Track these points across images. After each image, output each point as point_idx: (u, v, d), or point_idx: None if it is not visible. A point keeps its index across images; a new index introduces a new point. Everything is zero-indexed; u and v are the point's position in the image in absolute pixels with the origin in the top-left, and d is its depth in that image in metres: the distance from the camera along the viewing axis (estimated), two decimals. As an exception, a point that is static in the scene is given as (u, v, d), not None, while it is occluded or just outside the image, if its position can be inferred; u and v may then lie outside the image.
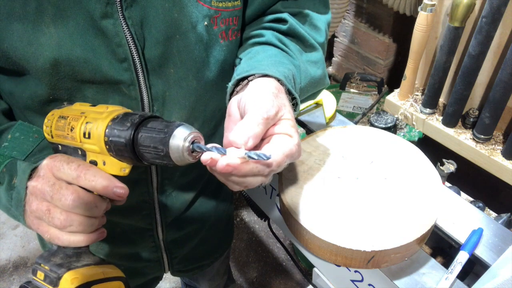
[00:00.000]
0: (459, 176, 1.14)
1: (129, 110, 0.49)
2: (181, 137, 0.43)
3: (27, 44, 0.49)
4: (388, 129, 1.27)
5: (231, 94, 0.56)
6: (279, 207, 0.81)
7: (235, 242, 2.05)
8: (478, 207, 0.97)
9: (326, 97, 0.96)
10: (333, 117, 0.94)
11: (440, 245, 0.76)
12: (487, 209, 1.05)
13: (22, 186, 0.49)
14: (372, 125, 1.29)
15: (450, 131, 1.14)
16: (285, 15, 0.63)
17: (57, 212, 0.46)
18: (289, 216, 0.63)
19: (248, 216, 2.17)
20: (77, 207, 0.46)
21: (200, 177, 0.77)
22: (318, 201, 0.63)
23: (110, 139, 0.46)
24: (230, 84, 0.55)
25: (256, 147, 0.47)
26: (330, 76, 2.14)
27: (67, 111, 0.51)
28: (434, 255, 0.76)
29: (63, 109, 0.52)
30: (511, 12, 0.93)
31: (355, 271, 0.68)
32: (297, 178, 0.67)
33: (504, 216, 0.92)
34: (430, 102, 1.17)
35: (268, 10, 0.66)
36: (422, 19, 1.06)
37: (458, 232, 0.66)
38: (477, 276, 0.62)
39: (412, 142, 1.04)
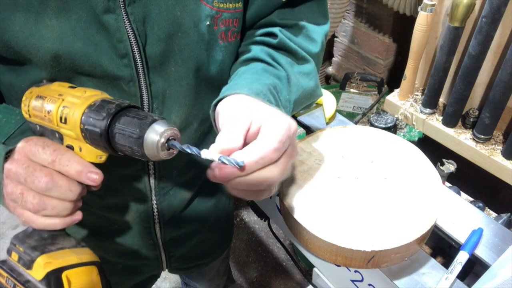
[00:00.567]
0: (459, 176, 1.14)
1: (108, 96, 0.48)
2: (157, 133, 0.43)
3: (29, 35, 0.49)
4: (388, 129, 1.27)
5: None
6: (279, 207, 0.81)
7: (235, 242, 2.05)
8: (478, 207, 0.97)
9: (326, 97, 0.96)
10: (333, 117, 0.94)
11: (440, 245, 0.76)
12: (487, 209, 1.05)
13: (0, 168, 0.49)
14: (372, 125, 1.29)
15: (450, 131, 1.14)
16: (275, 30, 0.63)
17: (30, 196, 0.46)
18: (289, 216, 0.63)
19: (248, 216, 2.17)
20: (50, 190, 0.46)
21: (198, 176, 0.77)
22: (318, 201, 0.63)
23: (86, 127, 0.45)
24: (210, 111, 0.56)
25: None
26: (330, 76, 2.14)
27: (45, 90, 0.50)
28: (434, 255, 0.76)
29: (42, 87, 0.50)
30: (511, 12, 0.93)
31: (355, 271, 0.68)
32: (297, 178, 0.67)
33: (504, 216, 0.92)
34: (430, 102, 1.17)
35: (263, 21, 0.66)
36: (422, 19, 1.06)
37: (458, 232, 0.66)
38: (477, 276, 0.62)
39: (412, 142, 1.04)
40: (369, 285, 0.66)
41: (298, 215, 0.61)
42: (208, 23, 0.57)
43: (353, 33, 1.86)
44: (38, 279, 0.46)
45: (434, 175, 0.67)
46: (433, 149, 1.10)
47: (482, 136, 1.07)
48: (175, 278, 1.92)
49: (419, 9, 1.06)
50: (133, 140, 0.44)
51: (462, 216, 0.68)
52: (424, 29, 1.07)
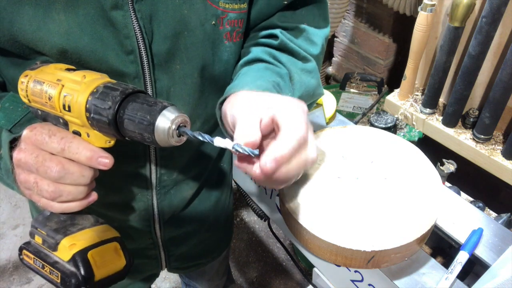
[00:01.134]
0: (459, 176, 1.14)
1: (108, 80, 0.47)
2: (168, 119, 0.43)
3: (36, 29, 0.50)
4: (388, 129, 1.27)
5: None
6: (279, 207, 0.81)
7: (235, 242, 2.05)
8: (478, 207, 0.97)
9: (326, 97, 0.96)
10: (333, 117, 0.94)
11: (440, 245, 0.76)
12: (487, 209, 1.05)
13: (7, 157, 0.50)
14: (372, 125, 1.29)
15: (450, 131, 1.14)
16: (277, 32, 0.63)
17: (45, 184, 0.47)
18: (289, 216, 0.63)
19: (248, 216, 2.17)
20: (63, 178, 0.46)
21: (199, 175, 0.77)
22: (318, 201, 0.63)
23: (92, 115, 0.45)
24: (216, 109, 0.57)
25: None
26: (330, 76, 2.14)
27: (42, 74, 0.49)
28: (434, 255, 0.76)
29: (37, 71, 0.49)
30: (511, 12, 0.93)
31: (355, 271, 0.68)
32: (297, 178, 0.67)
33: (504, 216, 0.92)
34: (430, 102, 1.17)
35: (264, 23, 0.66)
36: (422, 19, 1.06)
37: (458, 232, 0.66)
38: (477, 276, 0.62)
39: (412, 142, 1.04)
40: (369, 285, 0.66)
41: (298, 215, 0.61)
42: (213, 22, 0.57)
43: (353, 33, 1.86)
44: (65, 260, 0.48)
45: (434, 175, 0.67)
46: (433, 149, 1.10)
47: (482, 136, 1.07)
48: (175, 278, 1.92)
49: (419, 9, 1.06)
50: (144, 127, 0.43)
51: (462, 216, 0.68)
52: (424, 29, 1.07)
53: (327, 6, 0.69)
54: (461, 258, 0.60)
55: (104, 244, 0.51)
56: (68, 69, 0.49)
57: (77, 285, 0.47)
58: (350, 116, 1.52)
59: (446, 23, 1.02)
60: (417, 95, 1.26)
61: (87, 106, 0.45)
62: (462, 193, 1.04)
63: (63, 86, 0.46)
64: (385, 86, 1.64)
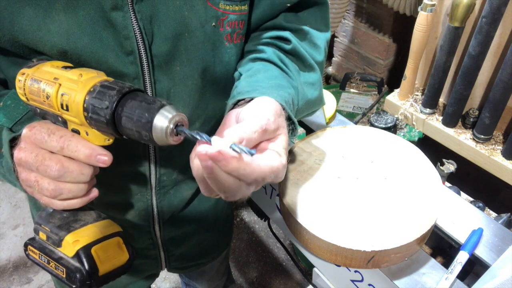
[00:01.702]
0: (459, 176, 1.14)
1: (105, 78, 0.47)
2: (166, 118, 0.43)
3: (37, 29, 0.50)
4: (388, 129, 1.27)
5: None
6: (279, 207, 0.81)
7: (235, 242, 2.05)
8: (478, 207, 0.97)
9: (326, 97, 0.96)
10: (333, 117, 0.94)
11: (440, 245, 0.76)
12: (487, 209, 1.05)
13: (8, 155, 0.50)
14: (372, 125, 1.29)
15: (450, 131, 1.14)
16: (287, 34, 0.63)
17: (45, 183, 0.47)
18: (289, 216, 0.63)
19: (248, 216, 2.17)
20: (63, 176, 0.47)
21: None
22: (318, 201, 0.63)
23: (90, 115, 0.45)
24: (229, 103, 0.55)
25: None
26: (330, 76, 2.14)
27: (39, 73, 0.49)
28: (434, 255, 0.76)
29: (34, 69, 0.49)
30: (511, 12, 0.93)
31: (355, 271, 0.68)
32: (297, 178, 0.67)
33: (504, 216, 0.92)
34: (430, 102, 1.17)
35: (268, 23, 0.66)
36: (422, 19, 1.06)
37: (458, 232, 0.66)
38: (477, 276, 0.62)
39: (412, 142, 1.04)
40: (369, 285, 0.66)
41: (298, 215, 0.61)
42: (213, 24, 0.57)
43: (353, 33, 1.86)
44: (70, 255, 0.49)
45: (434, 175, 0.67)
46: (433, 149, 1.10)
47: (482, 136, 1.07)
48: (175, 278, 1.92)
49: (419, 9, 1.06)
50: (142, 124, 0.43)
51: (462, 216, 0.68)
52: (424, 29, 1.07)
53: (329, 10, 0.69)
54: (461, 258, 0.60)
55: (107, 239, 0.52)
56: (65, 67, 0.49)
57: (82, 280, 0.48)
58: (350, 116, 1.52)
59: (446, 23, 1.02)
60: (417, 95, 1.25)
61: (85, 105, 0.45)
62: (462, 193, 1.04)
63: (60, 85, 0.46)
64: (385, 86, 1.64)
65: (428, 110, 1.19)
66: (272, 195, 0.83)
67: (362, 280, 0.68)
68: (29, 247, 0.53)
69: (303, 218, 0.61)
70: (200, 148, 0.40)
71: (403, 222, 0.60)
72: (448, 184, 1.07)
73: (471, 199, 1.04)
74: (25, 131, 0.48)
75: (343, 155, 0.71)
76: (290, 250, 1.80)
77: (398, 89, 1.28)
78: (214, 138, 0.44)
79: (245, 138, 0.44)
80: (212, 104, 0.66)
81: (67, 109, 0.46)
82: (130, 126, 0.44)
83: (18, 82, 0.50)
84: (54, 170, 0.46)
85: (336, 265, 0.67)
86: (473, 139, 1.10)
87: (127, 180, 0.68)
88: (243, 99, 0.54)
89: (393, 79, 1.86)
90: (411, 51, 1.15)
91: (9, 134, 0.51)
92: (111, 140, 0.49)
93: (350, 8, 1.78)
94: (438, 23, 1.11)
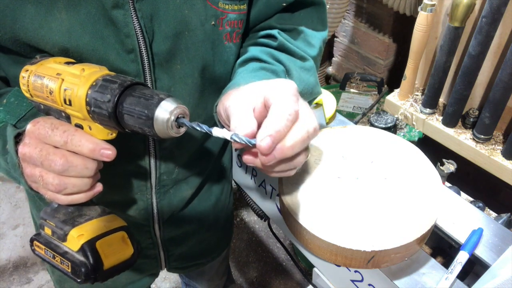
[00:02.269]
0: (459, 176, 1.14)
1: (107, 72, 0.48)
2: (166, 112, 0.43)
3: (38, 27, 0.50)
4: (388, 129, 1.27)
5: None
6: (279, 207, 0.81)
7: (235, 242, 2.05)
8: (478, 207, 0.97)
9: (326, 97, 0.96)
10: (333, 117, 0.94)
11: (440, 245, 0.76)
12: (487, 209, 1.05)
13: (13, 151, 0.51)
14: (372, 125, 1.29)
15: (450, 131, 1.14)
16: (274, 32, 0.64)
17: (50, 178, 0.47)
18: (289, 216, 0.63)
19: (248, 216, 2.17)
20: (67, 171, 0.47)
21: (199, 175, 0.77)
22: (318, 201, 0.63)
23: (92, 109, 0.45)
24: (214, 112, 0.57)
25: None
26: (330, 76, 2.14)
27: (42, 69, 0.49)
28: (434, 255, 0.76)
29: (37, 65, 0.50)
30: (511, 12, 0.93)
31: (355, 271, 0.68)
32: (297, 178, 0.67)
33: (504, 216, 0.92)
34: (430, 102, 1.17)
35: (262, 24, 0.66)
36: (422, 19, 1.06)
37: (458, 232, 0.66)
38: (477, 276, 0.62)
39: (412, 142, 1.04)
40: (369, 285, 0.66)
41: (298, 215, 0.61)
42: (213, 23, 0.57)
43: (353, 33, 1.86)
44: (75, 250, 0.49)
45: (434, 175, 0.67)
46: (433, 149, 1.10)
47: (482, 136, 1.07)
48: (175, 278, 1.92)
49: (419, 9, 1.06)
50: (143, 122, 0.44)
51: (462, 216, 0.68)
52: (424, 29, 1.07)
53: (326, 10, 0.69)
54: (461, 258, 0.60)
55: (111, 234, 0.52)
56: (67, 63, 0.49)
57: (86, 274, 0.49)
58: (350, 116, 1.52)
59: (446, 23, 1.02)
60: (417, 95, 1.25)
61: (87, 99, 0.45)
62: (462, 193, 1.04)
63: (63, 80, 0.47)
64: (385, 86, 1.64)
65: (428, 110, 1.19)
66: (272, 195, 0.83)
67: (362, 280, 0.68)
68: (35, 242, 0.53)
69: (303, 218, 0.61)
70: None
71: (403, 222, 0.60)
72: (448, 184, 1.07)
73: (471, 199, 1.04)
74: (29, 127, 0.48)
75: (343, 155, 0.71)
76: (290, 250, 1.80)
77: (398, 89, 1.28)
78: (214, 129, 0.44)
79: (248, 129, 0.44)
80: (211, 103, 0.66)
81: (70, 104, 0.46)
82: (132, 122, 0.45)
83: (22, 79, 0.50)
84: (58, 165, 0.46)
85: (336, 265, 0.67)
86: (473, 139, 1.10)
87: (127, 179, 0.68)
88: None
89: (393, 79, 1.86)
90: (411, 51, 1.15)
91: (14, 130, 0.52)
92: (114, 134, 0.50)
93: (350, 8, 1.78)
94: (438, 23, 1.11)
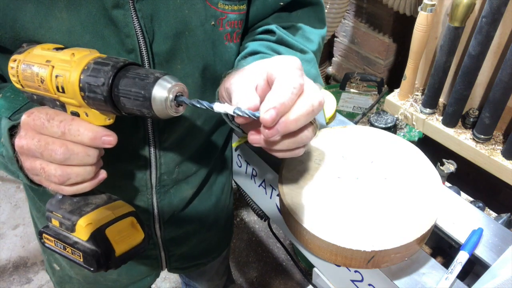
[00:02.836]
0: (459, 176, 1.14)
1: (98, 54, 0.46)
2: (164, 90, 0.41)
3: (38, 27, 0.50)
4: (388, 129, 1.27)
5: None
6: (279, 207, 0.81)
7: (235, 242, 2.05)
8: (478, 207, 0.97)
9: (326, 97, 0.96)
10: (333, 117, 0.94)
11: (440, 245, 0.76)
12: (487, 209, 1.05)
13: (8, 144, 0.50)
14: (372, 125, 1.29)
15: (450, 131, 1.14)
16: (272, 27, 0.64)
17: (52, 169, 0.46)
18: (289, 216, 0.63)
19: (248, 216, 2.17)
20: (69, 159, 0.45)
21: (200, 174, 0.77)
22: (318, 201, 0.63)
23: (87, 94, 0.44)
24: (216, 91, 0.57)
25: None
26: (330, 76, 2.14)
27: (30, 57, 0.47)
28: (434, 255, 0.76)
29: (25, 54, 0.48)
30: (511, 12, 0.93)
31: (355, 271, 0.68)
32: (297, 178, 0.67)
33: (504, 216, 0.92)
34: (430, 102, 1.17)
35: (260, 23, 0.67)
36: (422, 19, 1.06)
37: (458, 232, 0.66)
38: (477, 276, 0.62)
39: (412, 142, 1.04)
40: (369, 285, 0.66)
41: (298, 215, 0.61)
42: (212, 23, 0.57)
43: (353, 33, 1.86)
44: (84, 239, 0.49)
45: (434, 175, 0.67)
46: (433, 149, 1.10)
47: (482, 136, 1.07)
48: (175, 278, 1.92)
49: (419, 9, 1.06)
50: (140, 103, 0.42)
51: (462, 216, 0.68)
52: (424, 29, 1.07)
53: (323, 8, 0.69)
54: (461, 258, 0.60)
55: (120, 220, 0.51)
56: (56, 49, 0.48)
57: (99, 262, 0.48)
58: (350, 116, 1.52)
59: (446, 23, 1.02)
60: (417, 95, 1.26)
61: (80, 85, 0.44)
62: (462, 193, 1.04)
63: (53, 67, 0.45)
64: (385, 86, 1.64)
65: (428, 110, 1.19)
66: (272, 195, 0.83)
67: (362, 280, 0.68)
68: (44, 235, 0.52)
69: (303, 218, 0.61)
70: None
71: (403, 222, 0.60)
72: (448, 184, 1.07)
73: (471, 199, 1.04)
74: (23, 118, 0.47)
75: (343, 155, 0.71)
76: (290, 250, 1.80)
77: (398, 89, 1.28)
78: (216, 105, 0.43)
79: (251, 103, 0.43)
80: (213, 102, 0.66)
81: (63, 91, 0.45)
82: (130, 105, 0.43)
83: (10, 69, 0.49)
84: (59, 154, 0.45)
85: (336, 265, 0.67)
86: (473, 139, 1.10)
87: (127, 179, 0.68)
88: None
89: (393, 79, 1.86)
90: (411, 51, 1.15)
91: (8, 122, 0.50)
92: (112, 120, 0.48)
93: (350, 8, 1.78)
94: (438, 23, 1.11)
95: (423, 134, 1.25)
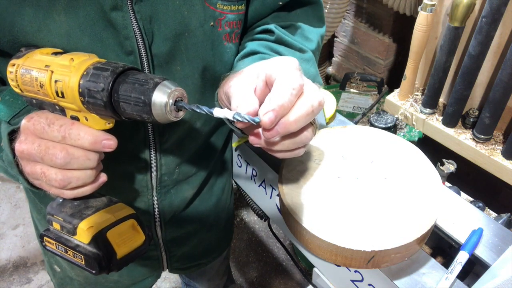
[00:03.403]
0: (459, 176, 1.14)
1: (97, 59, 0.46)
2: (164, 95, 0.42)
3: (37, 30, 0.49)
4: (388, 129, 1.27)
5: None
6: (279, 207, 0.81)
7: (235, 242, 2.05)
8: (478, 207, 0.97)
9: (326, 97, 0.96)
10: (333, 117, 0.94)
11: (440, 245, 0.76)
12: (487, 209, 1.05)
13: (8, 149, 0.50)
14: (372, 125, 1.29)
15: (450, 131, 1.14)
16: (271, 27, 0.64)
17: (52, 173, 0.46)
18: (289, 216, 0.63)
19: (248, 216, 2.17)
20: (69, 164, 0.46)
21: (200, 175, 0.77)
22: (318, 201, 0.63)
23: (87, 99, 0.44)
24: (215, 101, 0.57)
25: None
26: (330, 76, 2.14)
27: (29, 62, 0.47)
28: (434, 255, 0.76)
29: (24, 58, 0.48)
30: (511, 12, 0.93)
31: (355, 271, 0.68)
32: (297, 178, 0.67)
33: (504, 216, 0.92)
34: (430, 102, 1.17)
35: (259, 23, 0.67)
36: (422, 19, 1.06)
37: (458, 232, 0.66)
38: (477, 276, 0.62)
39: (412, 142, 1.04)
40: (369, 285, 0.66)
41: (298, 215, 0.61)
42: (211, 23, 0.57)
43: (353, 33, 1.86)
44: (86, 242, 0.49)
45: (434, 175, 0.67)
46: (433, 149, 1.10)
47: (482, 136, 1.07)
48: (175, 278, 1.92)
49: (419, 9, 1.06)
50: (140, 108, 0.42)
51: (462, 216, 0.68)
52: (424, 29, 1.07)
53: (322, 7, 0.69)
54: (461, 258, 0.60)
55: (121, 223, 0.52)
56: (55, 53, 0.48)
57: (100, 265, 0.48)
58: (350, 116, 1.52)
59: (446, 23, 1.02)
60: (417, 95, 1.26)
61: (80, 90, 0.44)
62: (462, 193, 1.04)
63: (52, 72, 0.45)
64: (385, 86, 1.64)
65: (428, 110, 1.19)
66: (272, 195, 0.83)
67: (362, 280, 0.68)
68: (45, 238, 0.53)
69: (303, 218, 0.61)
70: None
71: (403, 222, 0.60)
72: (448, 184, 1.07)
73: (471, 199, 1.04)
74: (23, 123, 0.47)
75: (343, 155, 0.71)
76: (290, 250, 1.80)
77: (398, 89, 1.28)
78: (215, 110, 0.43)
79: (250, 107, 0.44)
80: (212, 103, 0.66)
81: (63, 96, 0.45)
82: (130, 110, 0.43)
83: (9, 74, 0.49)
84: (59, 158, 0.45)
85: (336, 265, 0.67)
86: (473, 139, 1.10)
87: (128, 181, 0.68)
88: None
89: (393, 79, 1.86)
90: (411, 51, 1.15)
91: (8, 127, 0.51)
92: (111, 124, 0.48)
93: (350, 8, 1.78)
94: (438, 23, 1.11)
95: (423, 134, 1.25)
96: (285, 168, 0.69)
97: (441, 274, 0.60)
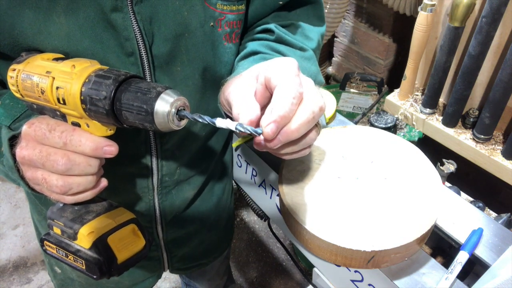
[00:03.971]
0: (459, 176, 1.14)
1: (99, 66, 0.46)
2: (166, 105, 0.42)
3: (37, 32, 0.49)
4: (388, 129, 1.27)
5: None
6: (279, 207, 0.81)
7: (235, 242, 2.05)
8: (478, 207, 0.97)
9: (326, 97, 0.96)
10: (333, 117, 0.94)
11: (440, 245, 0.76)
12: (487, 209, 1.05)
13: (9, 155, 0.50)
14: (372, 125, 1.29)
15: (450, 131, 1.14)
16: (271, 26, 0.64)
17: (53, 179, 0.46)
18: (289, 216, 0.63)
19: (248, 216, 2.17)
20: (70, 170, 0.46)
21: (200, 175, 0.77)
22: (318, 201, 0.63)
23: (89, 107, 0.44)
24: (218, 104, 0.58)
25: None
26: (330, 76, 2.14)
27: (30, 67, 0.47)
28: (434, 255, 0.76)
29: (24, 63, 0.48)
30: (511, 12, 0.93)
31: (355, 271, 0.68)
32: (297, 178, 0.67)
33: (504, 216, 0.92)
34: (430, 102, 1.17)
35: (259, 22, 0.67)
36: (422, 19, 1.06)
37: (458, 232, 0.66)
38: (477, 276, 0.62)
39: (412, 142, 1.04)
40: (369, 285, 0.66)
41: (298, 215, 0.61)
42: (211, 24, 0.57)
43: (353, 33, 1.86)
44: (87, 247, 0.49)
45: (434, 175, 0.67)
46: (433, 149, 1.10)
47: (482, 136, 1.07)
48: (175, 278, 1.92)
49: (419, 9, 1.06)
50: (143, 117, 0.42)
51: (462, 216, 0.68)
52: (424, 29, 1.07)
53: (322, 6, 0.70)
54: (461, 258, 0.60)
55: (121, 228, 0.52)
56: (56, 59, 0.48)
57: (101, 270, 0.49)
58: (350, 116, 1.52)
59: (446, 23, 1.02)
60: (417, 95, 1.26)
61: (82, 97, 0.44)
62: (462, 193, 1.04)
63: (53, 78, 0.45)
64: (385, 86, 1.64)
65: (428, 110, 1.19)
66: (272, 195, 0.83)
67: (362, 280, 0.68)
68: (46, 242, 0.53)
69: (303, 218, 0.61)
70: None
71: (403, 222, 0.60)
72: (448, 184, 1.07)
73: (471, 199, 1.04)
74: (24, 128, 0.47)
75: (343, 155, 0.71)
76: (290, 250, 1.80)
77: (398, 89, 1.28)
78: (218, 120, 0.43)
79: (251, 116, 0.44)
80: (213, 104, 0.66)
81: (64, 103, 0.45)
82: (132, 119, 0.43)
83: (10, 79, 0.48)
84: (61, 164, 0.45)
85: (336, 265, 0.67)
86: (473, 139, 1.10)
87: (129, 181, 0.68)
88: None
89: (393, 79, 1.86)
90: (411, 51, 1.15)
91: (8, 132, 0.51)
92: (112, 130, 0.48)
93: (350, 8, 1.78)
94: (438, 23, 1.11)
95: (423, 134, 1.25)
96: (285, 168, 0.69)
97: (441, 274, 0.60)
